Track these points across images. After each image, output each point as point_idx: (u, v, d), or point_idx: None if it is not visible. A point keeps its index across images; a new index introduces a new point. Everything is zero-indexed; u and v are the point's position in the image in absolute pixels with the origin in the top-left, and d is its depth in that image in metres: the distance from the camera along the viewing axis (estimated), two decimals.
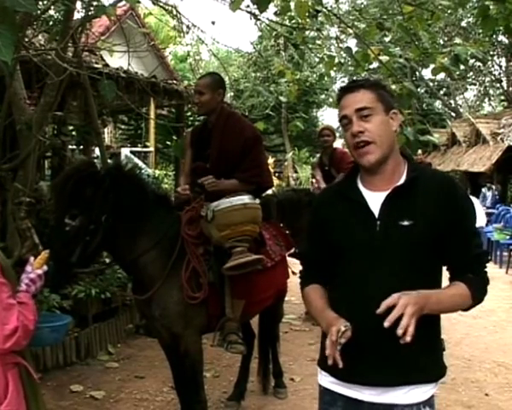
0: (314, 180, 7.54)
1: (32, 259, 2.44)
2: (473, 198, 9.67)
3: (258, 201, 3.95)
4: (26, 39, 4.97)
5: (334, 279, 2.02)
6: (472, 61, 20.52)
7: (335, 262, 2.00)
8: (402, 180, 1.92)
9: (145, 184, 3.61)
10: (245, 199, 3.68)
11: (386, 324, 1.69)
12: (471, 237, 1.93)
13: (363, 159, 1.89)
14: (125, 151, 13.42)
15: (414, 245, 1.85)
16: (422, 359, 1.87)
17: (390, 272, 1.85)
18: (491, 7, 4.56)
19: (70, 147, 7.39)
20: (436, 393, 1.98)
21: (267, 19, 6.24)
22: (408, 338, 1.67)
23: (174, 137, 11.20)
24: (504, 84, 26.56)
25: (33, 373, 2.27)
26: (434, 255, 1.89)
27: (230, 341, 3.63)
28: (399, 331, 1.67)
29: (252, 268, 3.62)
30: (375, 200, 1.92)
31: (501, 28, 5.24)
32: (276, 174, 23.02)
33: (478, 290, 1.90)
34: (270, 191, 8.58)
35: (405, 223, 1.85)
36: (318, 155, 7.61)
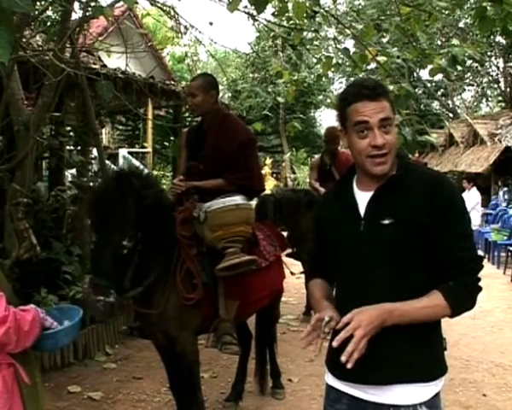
0: (309, 180, 7.54)
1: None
2: (473, 195, 9.51)
3: (251, 202, 3.95)
4: (24, 40, 4.96)
5: (333, 278, 2.08)
6: (469, 62, 20.60)
7: (331, 262, 2.05)
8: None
9: (165, 196, 3.63)
10: (237, 200, 3.68)
11: (335, 343, 1.72)
12: (458, 238, 1.85)
13: (378, 169, 1.89)
14: (123, 152, 13.41)
15: (394, 244, 1.85)
16: (417, 357, 1.86)
17: (376, 271, 1.87)
18: (488, 8, 4.56)
19: (68, 148, 7.38)
20: None
21: (265, 20, 6.24)
22: (349, 365, 1.70)
23: (172, 138, 11.20)
24: (502, 84, 26.64)
25: (24, 377, 2.23)
26: (419, 255, 1.86)
27: (224, 342, 3.63)
28: (343, 358, 1.70)
29: (245, 269, 3.62)
30: (363, 199, 1.94)
31: (498, 29, 5.24)
32: (274, 175, 23.06)
33: (457, 300, 1.82)
34: (269, 192, 8.57)
35: (386, 222, 1.86)
36: (319, 155, 7.60)
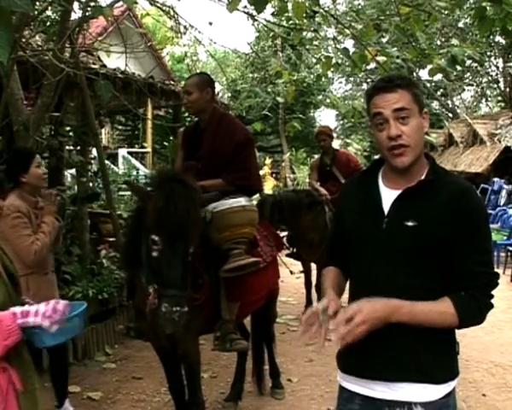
0: (309, 181, 7.56)
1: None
2: None
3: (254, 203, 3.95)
4: (24, 40, 4.96)
5: (351, 270, 2.09)
6: (469, 62, 20.58)
7: (349, 253, 2.06)
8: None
9: None
10: (242, 201, 3.69)
11: (331, 326, 1.78)
12: (474, 252, 1.86)
13: (397, 161, 1.88)
14: (123, 152, 13.43)
15: (413, 246, 1.86)
16: (427, 359, 1.87)
17: (392, 269, 1.88)
18: (487, 8, 4.57)
19: (67, 148, 7.38)
20: None
21: (264, 19, 6.24)
22: (333, 339, 1.76)
23: (171, 138, 11.21)
24: (501, 84, 26.62)
25: (16, 382, 2.21)
26: (436, 261, 1.86)
27: (232, 339, 3.63)
28: (332, 337, 1.77)
29: (248, 270, 3.62)
30: (389, 197, 1.94)
31: (498, 29, 5.24)
32: (274, 175, 23.02)
33: (466, 311, 1.85)
34: (270, 192, 8.55)
35: (410, 224, 1.86)
36: (318, 156, 7.63)
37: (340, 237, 2.10)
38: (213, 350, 3.81)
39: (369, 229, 1.95)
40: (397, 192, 1.93)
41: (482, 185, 15.81)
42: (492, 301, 1.90)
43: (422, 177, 1.93)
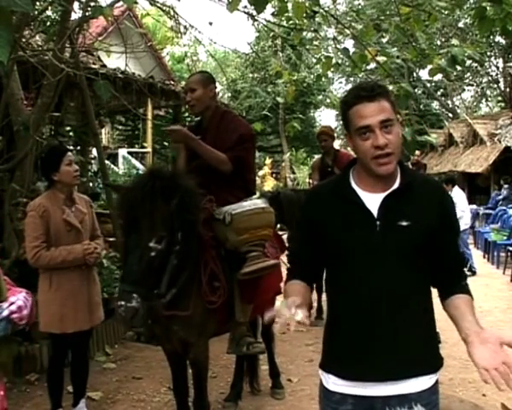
0: (311, 181, 7.56)
1: None
2: (460, 195, 9.33)
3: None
4: (24, 40, 4.96)
5: (334, 279, 2.05)
6: (469, 62, 20.60)
7: (333, 263, 2.03)
8: (397, 183, 1.97)
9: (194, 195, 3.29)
10: (260, 203, 3.66)
11: None
12: (455, 237, 2.11)
13: (383, 169, 1.90)
14: (123, 152, 13.43)
15: (411, 245, 1.91)
16: (424, 351, 1.96)
17: (390, 271, 1.90)
18: (488, 8, 4.57)
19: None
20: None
21: (264, 20, 6.24)
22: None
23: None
24: (501, 85, 26.66)
25: None
26: (426, 254, 1.97)
27: (249, 342, 3.60)
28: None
29: (266, 273, 3.59)
30: (371, 201, 1.95)
31: (498, 29, 5.24)
32: (274, 175, 23.05)
33: (470, 293, 2.04)
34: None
35: (404, 223, 1.91)
36: (320, 156, 7.61)
37: (312, 249, 2.05)
38: (228, 353, 3.78)
39: (360, 234, 1.94)
40: (379, 195, 1.95)
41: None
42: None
43: (397, 178, 1.98)
